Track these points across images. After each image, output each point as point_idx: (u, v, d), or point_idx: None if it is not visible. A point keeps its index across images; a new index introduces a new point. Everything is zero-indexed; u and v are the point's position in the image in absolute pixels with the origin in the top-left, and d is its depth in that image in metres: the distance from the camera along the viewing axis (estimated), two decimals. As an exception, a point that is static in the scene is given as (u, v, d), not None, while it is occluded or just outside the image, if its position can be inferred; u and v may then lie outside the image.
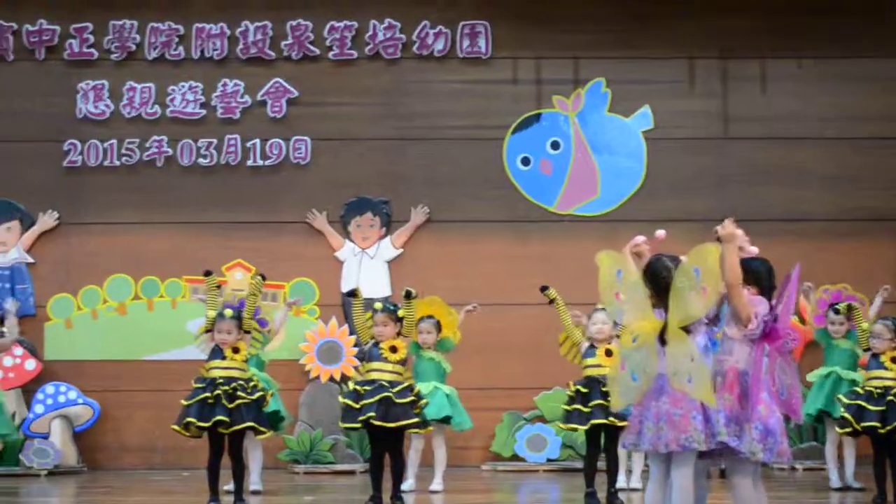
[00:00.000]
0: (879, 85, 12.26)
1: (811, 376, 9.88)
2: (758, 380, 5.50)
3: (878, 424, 8.42)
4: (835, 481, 9.53)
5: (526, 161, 12.39)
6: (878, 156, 12.18)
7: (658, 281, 5.40)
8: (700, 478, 5.71)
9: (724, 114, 12.33)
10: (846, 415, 8.64)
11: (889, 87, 12.27)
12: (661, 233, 5.84)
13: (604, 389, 7.53)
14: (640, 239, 5.67)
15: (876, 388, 8.53)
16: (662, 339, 5.34)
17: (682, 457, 5.33)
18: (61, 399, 11.67)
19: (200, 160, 12.31)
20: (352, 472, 11.12)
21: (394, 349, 8.30)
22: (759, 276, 5.65)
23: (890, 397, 8.46)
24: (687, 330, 5.29)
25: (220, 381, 8.20)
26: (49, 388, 11.70)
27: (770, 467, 5.82)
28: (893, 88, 12.27)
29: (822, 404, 9.49)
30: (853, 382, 9.31)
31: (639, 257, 5.63)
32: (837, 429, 9.05)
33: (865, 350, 9.10)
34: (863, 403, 8.55)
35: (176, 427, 8.30)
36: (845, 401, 8.78)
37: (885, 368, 8.63)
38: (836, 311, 9.84)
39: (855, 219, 12.05)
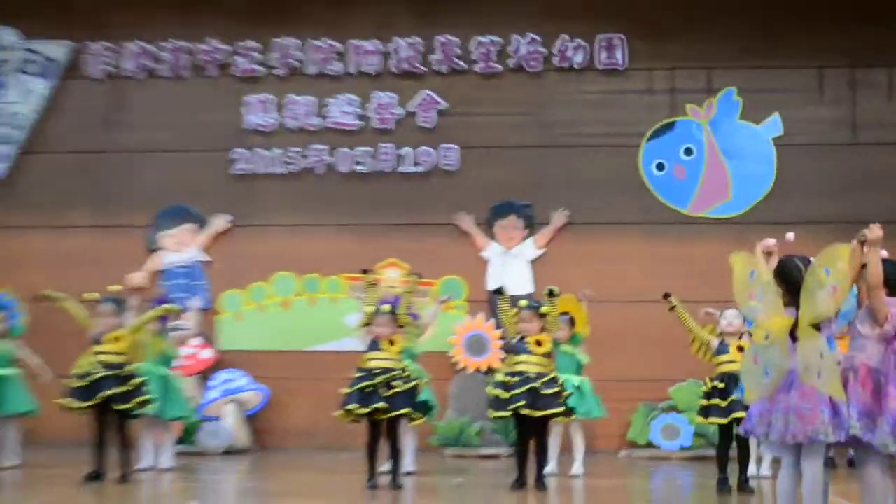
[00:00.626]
0: None
1: None
2: (890, 376, 5.53)
3: None
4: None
5: (661, 166, 12.53)
6: None
7: (790, 280, 5.49)
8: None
9: (853, 120, 12.29)
10: None
11: None
12: (790, 235, 6.03)
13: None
14: (771, 242, 5.78)
15: None
16: (793, 336, 5.41)
17: (813, 448, 5.42)
18: (233, 385, 12.11)
19: (357, 167, 12.66)
20: (496, 457, 11.19)
21: (539, 343, 8.62)
22: (890, 278, 5.57)
23: None
24: (817, 328, 5.35)
25: (378, 371, 8.57)
26: (222, 376, 12.17)
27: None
28: None
29: None
30: None
31: (769, 258, 5.69)
32: None
33: None
34: None
35: (339, 413, 8.69)
36: None
37: None
38: None
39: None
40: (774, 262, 5.71)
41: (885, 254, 5.75)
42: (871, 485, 5.70)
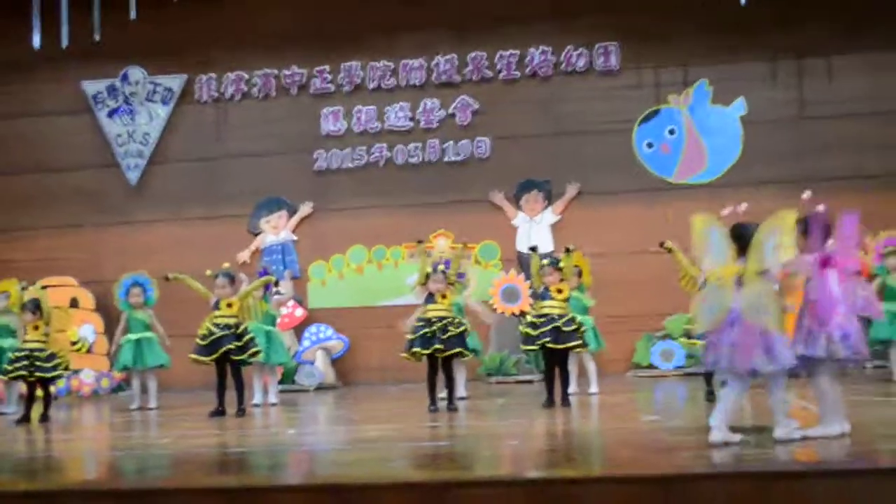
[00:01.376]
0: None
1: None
2: (831, 299, 5.56)
3: None
4: (896, 375, 9.29)
5: (650, 145, 12.60)
6: None
7: (742, 237, 5.48)
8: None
9: (800, 100, 12.33)
10: None
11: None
12: (743, 206, 5.89)
13: None
14: (727, 210, 5.76)
15: None
16: (740, 282, 5.45)
17: (744, 379, 5.50)
18: (321, 335, 12.31)
19: (410, 159, 12.82)
20: (530, 382, 11.30)
21: (560, 291, 8.66)
22: (813, 226, 5.63)
23: None
24: (762, 273, 5.38)
25: (435, 319, 8.62)
26: (312, 329, 12.36)
27: (847, 368, 5.92)
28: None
29: (887, 334, 9.45)
30: None
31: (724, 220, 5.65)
32: None
33: None
34: None
35: (405, 354, 8.79)
36: None
37: None
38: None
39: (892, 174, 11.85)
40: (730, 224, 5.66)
41: (821, 207, 5.86)
42: (824, 390, 5.73)
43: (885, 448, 5.68)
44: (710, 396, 8.16)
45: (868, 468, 4.77)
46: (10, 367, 9.44)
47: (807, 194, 6.30)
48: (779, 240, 5.46)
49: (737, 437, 5.54)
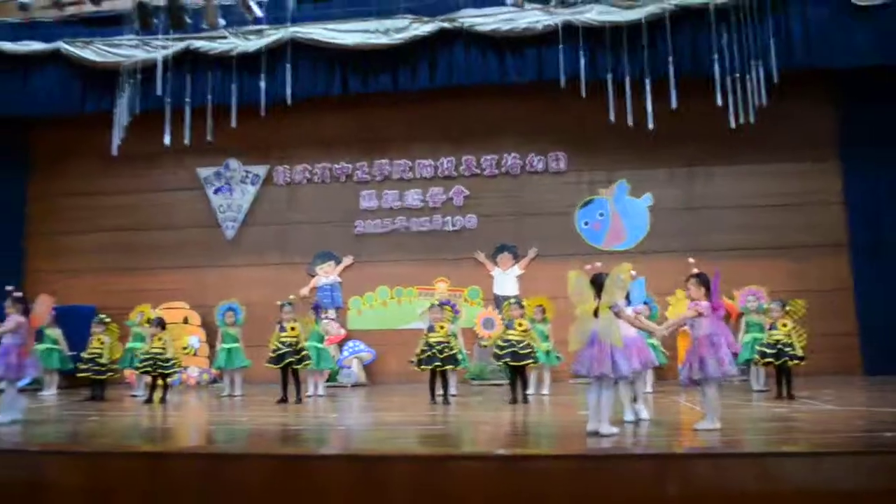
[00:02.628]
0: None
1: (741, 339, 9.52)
2: (719, 333, 5.74)
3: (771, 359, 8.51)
4: (755, 385, 9.41)
5: (586, 223, 12.49)
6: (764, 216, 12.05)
7: (597, 283, 5.60)
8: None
9: (689, 196, 12.30)
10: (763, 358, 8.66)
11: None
12: (598, 264, 6.04)
13: None
14: (588, 266, 5.84)
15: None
16: (595, 314, 5.53)
17: (604, 381, 5.51)
18: (356, 348, 12.15)
19: (421, 228, 12.70)
20: (501, 384, 10.76)
21: (520, 324, 8.67)
22: (706, 282, 5.83)
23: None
24: (610, 308, 5.51)
25: (435, 343, 8.65)
26: (350, 343, 12.20)
27: (725, 380, 5.96)
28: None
29: (748, 356, 9.29)
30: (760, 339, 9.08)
31: (589, 272, 5.76)
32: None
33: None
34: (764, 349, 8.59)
35: (415, 367, 8.81)
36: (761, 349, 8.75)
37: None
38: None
39: (757, 247, 11.87)
40: (592, 274, 5.75)
41: (695, 270, 6.04)
42: (710, 397, 5.75)
43: (748, 438, 5.66)
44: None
45: (736, 452, 4.72)
46: (140, 365, 9.41)
47: (691, 260, 6.40)
48: (620, 282, 5.55)
49: (615, 430, 5.53)
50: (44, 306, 7.54)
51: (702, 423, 5.78)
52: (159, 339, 9.24)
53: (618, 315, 5.64)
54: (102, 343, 9.70)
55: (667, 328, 6.53)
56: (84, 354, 9.76)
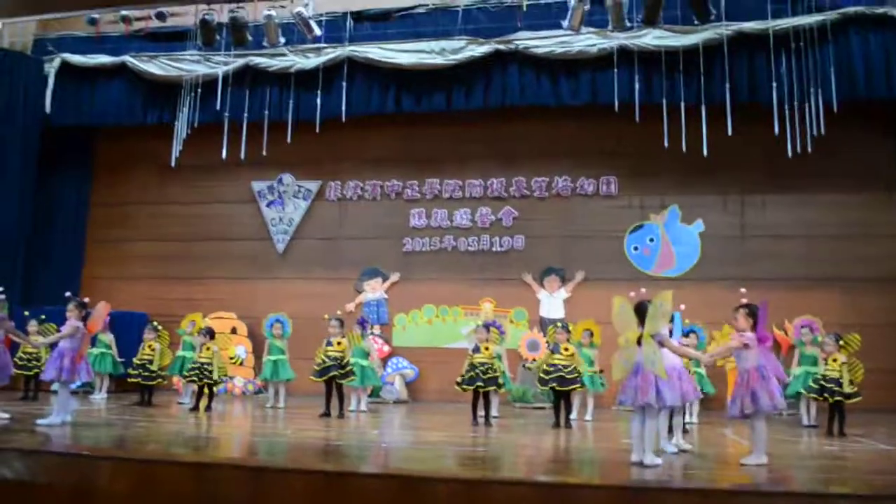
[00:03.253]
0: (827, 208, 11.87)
1: (793, 370, 9.40)
2: (769, 366, 5.61)
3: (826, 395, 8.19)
4: (805, 420, 9.17)
5: (636, 248, 12.31)
6: (818, 246, 11.74)
7: (640, 311, 5.54)
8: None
9: (741, 223, 12.03)
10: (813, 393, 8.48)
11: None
12: (643, 290, 6.04)
13: None
14: (633, 293, 5.85)
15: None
16: (639, 342, 5.47)
17: (649, 410, 5.40)
18: (400, 365, 12.11)
19: (469, 248, 12.60)
20: (543, 408, 10.79)
21: (566, 349, 8.68)
22: (754, 313, 5.77)
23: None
24: (653, 336, 5.43)
25: (478, 364, 8.67)
26: (394, 360, 12.17)
27: (775, 414, 5.73)
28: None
29: (798, 389, 9.15)
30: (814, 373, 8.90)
31: (633, 299, 5.77)
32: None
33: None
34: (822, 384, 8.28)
35: (459, 387, 8.80)
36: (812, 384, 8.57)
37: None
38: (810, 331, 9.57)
39: (810, 278, 11.59)
40: (636, 301, 5.69)
41: (744, 300, 5.98)
42: (759, 431, 5.65)
43: (796, 475, 5.50)
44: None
45: (783, 491, 4.58)
46: (187, 374, 9.55)
47: (743, 290, 6.28)
48: (662, 310, 5.44)
49: (658, 460, 5.41)
50: (101, 313, 7.73)
51: (749, 458, 5.65)
52: (208, 348, 9.38)
53: (661, 344, 5.53)
54: (153, 350, 9.88)
55: (712, 357, 6.44)
56: (135, 360, 9.94)
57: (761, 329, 5.73)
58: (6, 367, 7.42)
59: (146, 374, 9.77)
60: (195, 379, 9.35)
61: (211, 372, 9.23)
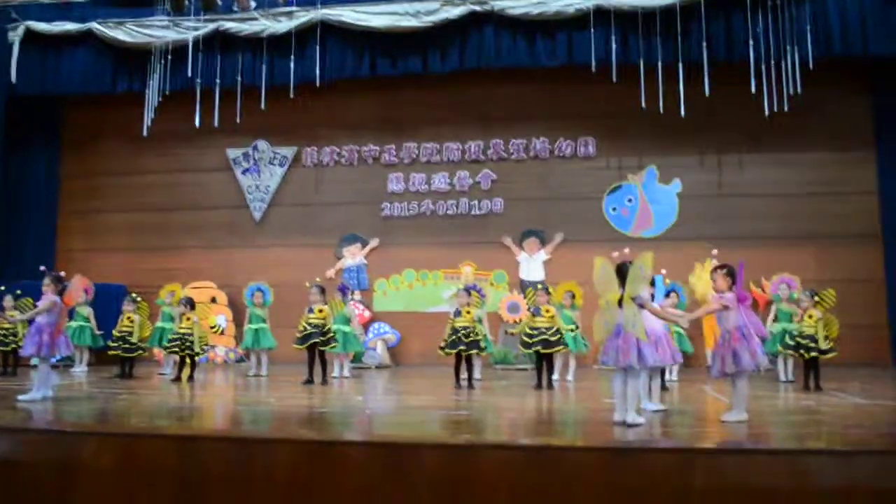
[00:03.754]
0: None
1: (770, 328, 9.42)
2: (749, 325, 5.66)
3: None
4: (782, 377, 9.24)
5: (614, 209, 12.40)
6: (796, 204, 11.93)
7: (621, 273, 5.48)
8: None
9: (719, 182, 12.12)
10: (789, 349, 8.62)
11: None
12: (626, 250, 6.11)
13: None
14: (616, 253, 5.73)
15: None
16: (620, 304, 5.44)
17: (632, 371, 5.43)
18: (381, 330, 12.20)
19: (448, 212, 12.64)
20: (525, 369, 10.88)
21: (547, 311, 8.73)
22: (732, 273, 5.76)
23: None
24: (633, 299, 5.41)
25: (461, 328, 8.68)
26: (375, 325, 12.24)
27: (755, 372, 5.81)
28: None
29: (777, 345, 9.13)
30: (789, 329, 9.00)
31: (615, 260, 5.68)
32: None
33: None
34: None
35: (440, 352, 8.85)
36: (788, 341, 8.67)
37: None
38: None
39: (787, 236, 11.72)
40: (616, 263, 5.64)
41: (715, 253, 6.28)
42: (740, 389, 5.71)
43: (776, 432, 5.59)
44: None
45: (764, 448, 4.66)
46: (168, 345, 9.51)
47: (714, 252, 6.32)
48: (643, 273, 5.42)
49: (641, 419, 5.46)
50: (77, 286, 7.64)
51: (729, 415, 5.73)
52: (188, 318, 9.33)
53: (642, 306, 5.56)
54: (133, 322, 9.82)
55: (690, 318, 6.48)
56: (115, 332, 9.88)
57: (739, 289, 5.75)
58: None
59: (126, 346, 9.72)
60: (176, 350, 9.31)
61: (192, 343, 9.20)
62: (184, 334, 9.26)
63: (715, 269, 5.93)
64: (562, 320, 9.09)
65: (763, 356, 5.64)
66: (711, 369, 5.85)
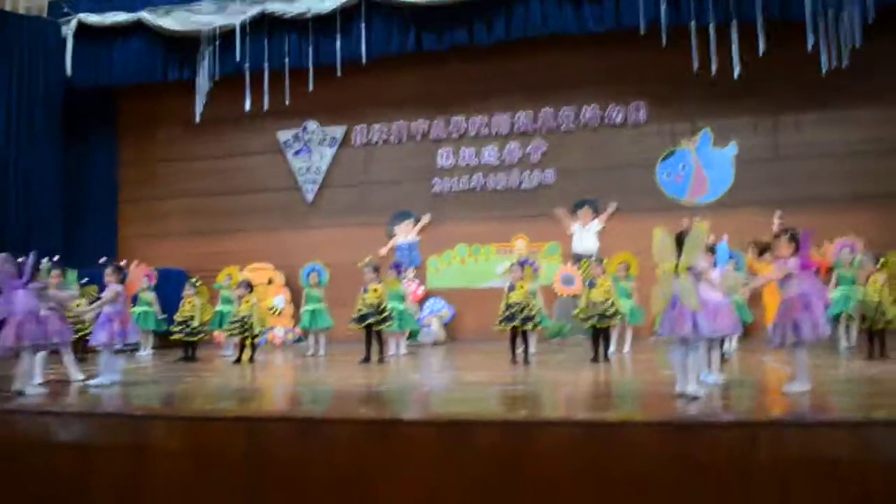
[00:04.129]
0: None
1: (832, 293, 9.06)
2: (813, 292, 5.46)
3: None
4: (843, 342, 9.13)
5: (668, 175, 12.21)
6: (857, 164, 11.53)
7: (680, 241, 5.35)
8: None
9: (775, 145, 11.84)
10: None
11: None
12: (686, 221, 6.07)
13: None
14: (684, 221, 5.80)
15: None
16: (676, 273, 5.31)
17: (691, 341, 5.33)
18: (436, 307, 12.32)
19: (498, 186, 12.64)
20: (581, 344, 10.60)
21: (602, 283, 8.60)
22: (796, 239, 5.54)
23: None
24: (689, 269, 5.28)
25: (514, 303, 8.63)
26: (430, 302, 12.39)
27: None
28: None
29: (838, 309, 8.99)
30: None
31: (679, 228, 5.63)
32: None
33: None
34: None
35: (496, 327, 8.86)
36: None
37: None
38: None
39: (848, 198, 11.36)
40: (678, 231, 5.54)
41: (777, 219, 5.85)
42: (801, 359, 5.58)
43: (839, 402, 5.49)
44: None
45: (828, 420, 4.58)
46: (229, 328, 9.73)
47: (777, 214, 6.18)
48: (697, 243, 5.32)
49: (702, 391, 5.39)
50: (139, 274, 7.86)
51: (792, 385, 5.62)
52: (247, 301, 9.52)
53: (699, 277, 5.48)
54: (194, 306, 10.05)
55: (751, 289, 6.34)
56: (177, 317, 10.12)
57: (804, 255, 5.55)
58: (64, 331, 7.53)
59: (189, 330, 9.97)
60: (237, 333, 9.52)
61: (252, 325, 9.39)
62: (244, 317, 9.46)
63: (777, 233, 5.77)
64: (617, 292, 9.03)
65: (826, 326, 5.48)
66: (772, 339, 5.72)
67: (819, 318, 5.45)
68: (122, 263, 7.85)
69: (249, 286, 9.71)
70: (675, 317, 5.37)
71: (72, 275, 9.15)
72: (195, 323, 10.00)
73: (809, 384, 5.54)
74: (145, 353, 11.03)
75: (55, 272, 7.82)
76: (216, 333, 11.36)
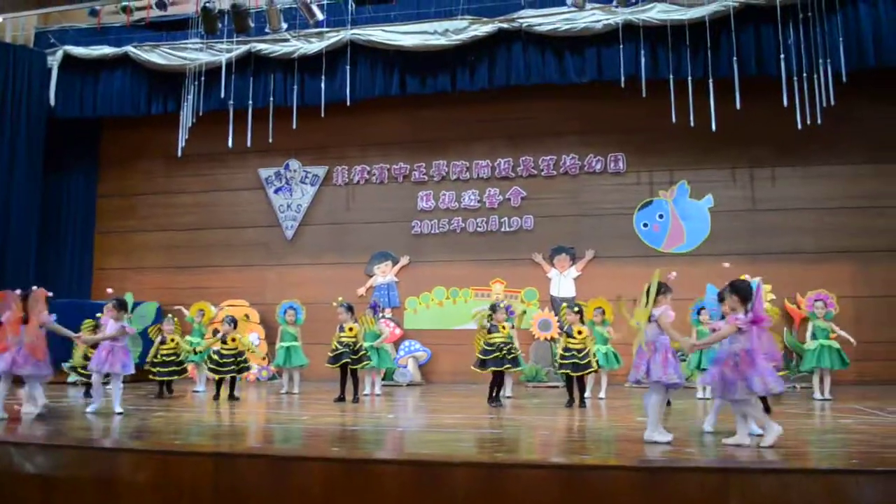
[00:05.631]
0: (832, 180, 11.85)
1: (808, 345, 9.34)
2: (763, 349, 5.32)
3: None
4: (817, 395, 9.18)
5: (645, 225, 12.31)
6: (829, 218, 11.75)
7: (647, 291, 5.54)
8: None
9: (752, 197, 11.98)
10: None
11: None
12: (726, 265, 6.11)
13: None
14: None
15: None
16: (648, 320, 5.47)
17: (658, 386, 5.39)
18: (412, 348, 12.27)
19: (478, 229, 12.65)
20: (556, 387, 10.95)
21: (580, 332, 8.66)
22: (745, 291, 5.41)
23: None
24: (650, 317, 5.44)
25: (500, 343, 8.67)
26: (406, 343, 12.32)
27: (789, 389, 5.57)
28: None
29: (814, 364, 9.18)
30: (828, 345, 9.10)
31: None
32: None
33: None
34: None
35: (475, 368, 8.87)
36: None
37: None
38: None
39: (821, 251, 11.57)
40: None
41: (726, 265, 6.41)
42: (753, 412, 5.55)
43: (811, 451, 5.52)
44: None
45: (801, 468, 4.61)
46: (219, 368, 9.56)
47: (726, 265, 6.24)
48: (652, 290, 5.49)
49: (668, 437, 5.39)
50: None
51: (766, 440, 5.49)
52: (233, 339, 9.47)
53: (657, 323, 5.51)
54: (176, 343, 9.93)
55: (699, 346, 6.27)
56: (156, 357, 9.87)
57: (759, 309, 5.41)
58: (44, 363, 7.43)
59: (173, 368, 9.81)
60: (232, 371, 9.44)
61: (244, 360, 9.39)
62: (235, 354, 9.42)
63: (725, 287, 5.65)
64: (594, 337, 9.09)
65: (776, 382, 5.30)
66: (720, 391, 5.47)
67: (766, 373, 5.28)
68: (126, 299, 7.89)
69: (234, 322, 9.66)
70: (635, 362, 5.54)
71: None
72: (180, 360, 9.89)
73: (772, 437, 5.36)
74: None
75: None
76: (190, 367, 11.25)
